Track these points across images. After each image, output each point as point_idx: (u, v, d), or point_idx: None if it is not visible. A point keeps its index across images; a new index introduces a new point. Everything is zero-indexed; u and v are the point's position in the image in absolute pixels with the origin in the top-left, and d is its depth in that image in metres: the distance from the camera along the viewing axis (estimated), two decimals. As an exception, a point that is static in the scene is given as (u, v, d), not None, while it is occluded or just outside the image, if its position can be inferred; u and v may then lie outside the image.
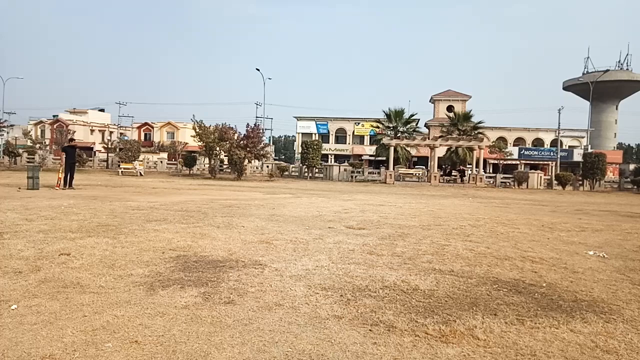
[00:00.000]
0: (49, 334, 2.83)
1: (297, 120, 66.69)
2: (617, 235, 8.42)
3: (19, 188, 15.06)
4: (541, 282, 4.58)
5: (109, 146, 47.44)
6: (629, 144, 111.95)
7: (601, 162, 35.39)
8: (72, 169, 16.74)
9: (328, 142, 63.82)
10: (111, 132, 71.53)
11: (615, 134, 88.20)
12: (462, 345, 2.89)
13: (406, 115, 44.17)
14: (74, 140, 26.28)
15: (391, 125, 44.28)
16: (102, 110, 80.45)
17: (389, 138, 40.95)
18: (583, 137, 59.55)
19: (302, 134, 65.24)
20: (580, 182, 36.22)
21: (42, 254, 5.01)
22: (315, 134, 64.48)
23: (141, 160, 41.75)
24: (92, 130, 73.54)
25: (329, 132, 66.15)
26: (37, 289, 3.75)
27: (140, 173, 35.45)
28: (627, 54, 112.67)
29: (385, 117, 44.36)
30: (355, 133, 65.91)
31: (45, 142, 59.90)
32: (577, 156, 50.75)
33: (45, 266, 4.48)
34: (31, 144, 55.84)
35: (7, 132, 55.85)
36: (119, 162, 40.64)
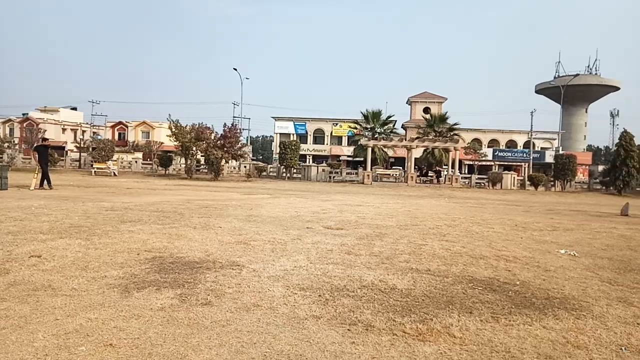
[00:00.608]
0: (19, 339, 2.74)
1: (275, 120, 66.46)
2: (587, 234, 8.67)
3: (-14, 188, 14.54)
4: (515, 280, 4.69)
5: (82, 145, 46.33)
6: (597, 146, 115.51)
7: (572, 164, 36.43)
8: (44, 168, 16.35)
9: (306, 143, 63.83)
10: (84, 131, 69.65)
11: (585, 136, 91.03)
12: (438, 343, 2.93)
13: (383, 117, 44.58)
14: (47, 139, 25.63)
15: (369, 126, 44.62)
16: (74, 108, 78.29)
17: (366, 139, 41.21)
18: (554, 139, 61.18)
19: (280, 134, 65.07)
20: (552, 183, 37.19)
21: (11, 256, 4.85)
22: (293, 134, 64.40)
23: (115, 160, 40.93)
24: (63, 129, 71.55)
25: (307, 133, 66.15)
26: (5, 292, 3.62)
27: (114, 173, 34.75)
28: (596, 59, 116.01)
29: (363, 118, 44.66)
30: (333, 134, 66.10)
31: (14, 141, 58.06)
32: (549, 157, 52.14)
33: (14, 269, 4.34)
34: (-1, 143, 54.02)
35: (-26, 131, 53.96)
36: (92, 162, 39.72)
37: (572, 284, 4.61)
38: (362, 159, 42.71)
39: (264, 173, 40.55)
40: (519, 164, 56.65)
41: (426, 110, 58.60)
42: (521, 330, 3.21)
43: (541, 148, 61.29)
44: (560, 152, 45.17)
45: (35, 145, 22.79)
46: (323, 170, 38.89)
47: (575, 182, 38.47)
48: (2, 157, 40.12)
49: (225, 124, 34.03)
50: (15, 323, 2.99)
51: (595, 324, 3.41)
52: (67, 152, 51.58)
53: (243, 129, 49.72)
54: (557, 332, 3.20)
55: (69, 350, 2.61)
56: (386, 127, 45.03)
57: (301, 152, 46.64)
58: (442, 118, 44.83)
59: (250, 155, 53.27)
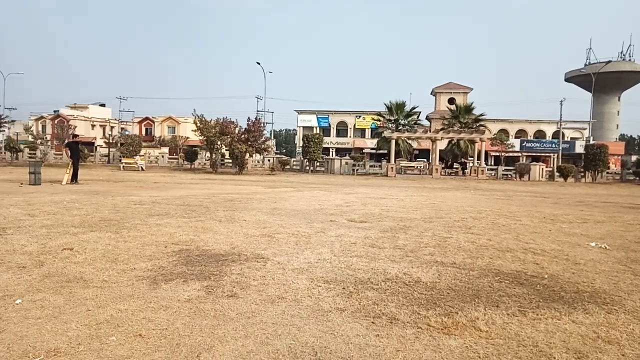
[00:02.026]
0: (54, 328, 2.85)
1: (298, 113, 66.52)
2: (619, 226, 8.41)
3: (21, 183, 15.11)
4: (543, 273, 4.59)
5: (110, 141, 47.53)
6: (631, 135, 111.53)
7: (603, 154, 35.29)
8: (75, 164, 16.86)
9: (329, 136, 63.69)
10: (112, 127, 71.38)
11: (617, 125, 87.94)
12: (464, 337, 2.90)
13: (407, 108, 44.10)
14: (78, 135, 26.45)
15: (392, 118, 44.22)
16: (102, 105, 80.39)
17: (390, 131, 40.85)
18: (585, 129, 59.35)
19: (303, 127, 65.09)
20: (582, 174, 36.16)
21: (45, 248, 5.03)
22: (316, 127, 64.32)
23: (142, 155, 41.80)
24: (93, 126, 73.48)
25: (330, 126, 66.00)
26: (40, 284, 3.76)
27: (141, 168, 35.52)
28: (630, 45, 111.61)
29: (387, 110, 44.29)
30: (356, 126, 65.72)
31: (46, 138, 59.95)
32: (579, 148, 50.62)
33: (48, 261, 4.50)
34: (32, 140, 55.91)
35: (9, 128, 55.92)
36: (120, 157, 40.77)
37: (603, 278, 4.48)
38: (385, 151, 42.38)
39: (288, 166, 40.74)
40: (547, 154, 55.22)
41: (451, 101, 57.64)
42: (549, 325, 3.15)
43: (571, 138, 59.49)
44: (591, 142, 43.89)
45: (66, 141, 23.51)
46: (346, 163, 38.82)
47: (607, 173, 37.30)
48: (35, 154, 41.52)
49: (249, 118, 34.35)
50: (50, 313, 3.10)
51: (627, 319, 3.31)
52: (96, 147, 52.95)
53: (266, 123, 49.99)
54: (587, 327, 3.12)
55: (100, 339, 2.70)
56: (410, 118, 44.53)
57: (324, 145, 46.60)
58: (468, 109, 44.04)
59: (274, 149, 53.58)
